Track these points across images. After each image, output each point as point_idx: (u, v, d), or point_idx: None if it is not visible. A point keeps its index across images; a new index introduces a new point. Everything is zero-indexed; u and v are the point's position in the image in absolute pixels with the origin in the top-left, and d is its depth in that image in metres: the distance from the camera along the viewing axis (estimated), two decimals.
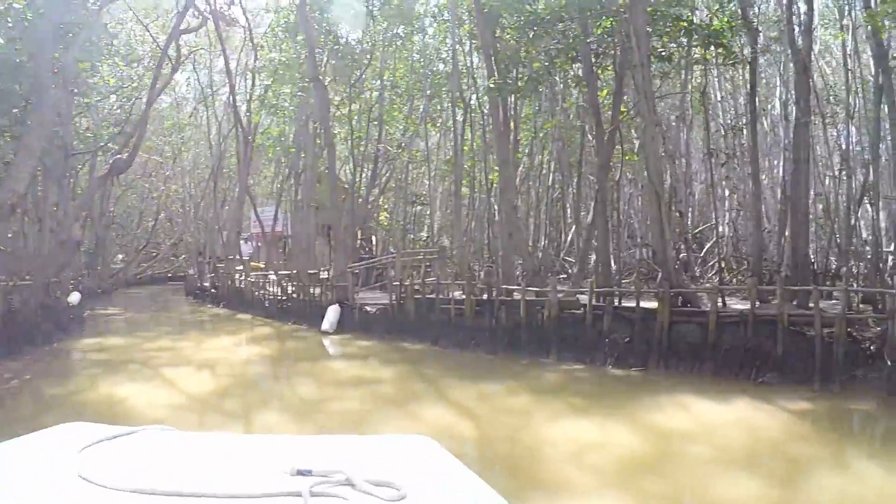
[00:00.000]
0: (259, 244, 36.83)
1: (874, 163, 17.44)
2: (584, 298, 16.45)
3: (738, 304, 17.04)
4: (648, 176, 16.07)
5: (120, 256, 52.07)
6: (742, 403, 12.70)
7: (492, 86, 19.04)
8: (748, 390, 13.50)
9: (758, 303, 14.85)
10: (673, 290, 15.46)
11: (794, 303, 15.94)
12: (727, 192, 25.22)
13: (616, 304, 16.06)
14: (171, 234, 54.01)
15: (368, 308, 21.40)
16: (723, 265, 19.02)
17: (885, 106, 16.58)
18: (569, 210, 28.81)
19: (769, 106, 25.52)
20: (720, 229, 20.00)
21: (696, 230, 28.00)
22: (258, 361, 18.51)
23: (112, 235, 45.87)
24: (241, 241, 35.56)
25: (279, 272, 28.44)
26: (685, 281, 16.57)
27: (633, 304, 15.53)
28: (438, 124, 31.79)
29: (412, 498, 2.04)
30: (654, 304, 15.39)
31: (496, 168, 25.31)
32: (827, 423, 11.80)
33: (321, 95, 22.63)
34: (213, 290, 35.37)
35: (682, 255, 17.21)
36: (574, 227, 28.28)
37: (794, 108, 19.02)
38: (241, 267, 33.48)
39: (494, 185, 27.21)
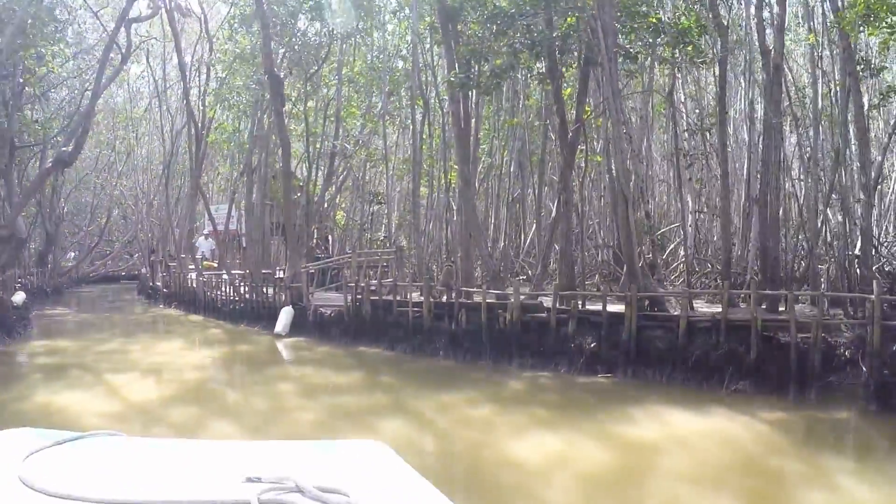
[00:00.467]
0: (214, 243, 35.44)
1: (841, 165, 16.95)
2: (547, 301, 15.66)
3: (705, 308, 16.44)
4: (616, 176, 15.36)
5: (71, 254, 50.24)
6: (715, 413, 12.04)
7: (453, 80, 18.14)
8: (721, 399, 12.82)
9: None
10: (640, 294, 14.73)
11: (763, 307, 15.33)
12: (689, 194, 24.67)
13: (581, 307, 15.27)
14: (126, 231, 52.19)
15: (323, 310, 20.34)
16: (686, 268, 18.33)
17: (852, 108, 16.10)
18: (529, 210, 28.06)
19: (732, 108, 25.02)
20: (684, 231, 19.30)
21: (659, 232, 27.50)
22: (208, 367, 17.33)
23: (63, 233, 44.18)
24: (202, 238, 34.02)
25: (231, 272, 27.18)
26: (652, 284, 15.84)
27: (598, 307, 14.75)
28: (397, 122, 30.79)
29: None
30: (620, 308, 14.63)
31: (455, 166, 24.49)
32: (804, 435, 11.15)
33: (276, 89, 21.52)
34: (164, 290, 33.91)
35: (647, 257, 16.44)
36: (535, 227, 27.57)
37: (760, 109, 18.52)
38: (192, 266, 32.19)
39: (453, 184, 26.42)
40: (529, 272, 26.55)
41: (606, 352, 14.33)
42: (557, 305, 14.99)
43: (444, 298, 17.13)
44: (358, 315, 18.64)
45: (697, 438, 10.71)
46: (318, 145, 26.56)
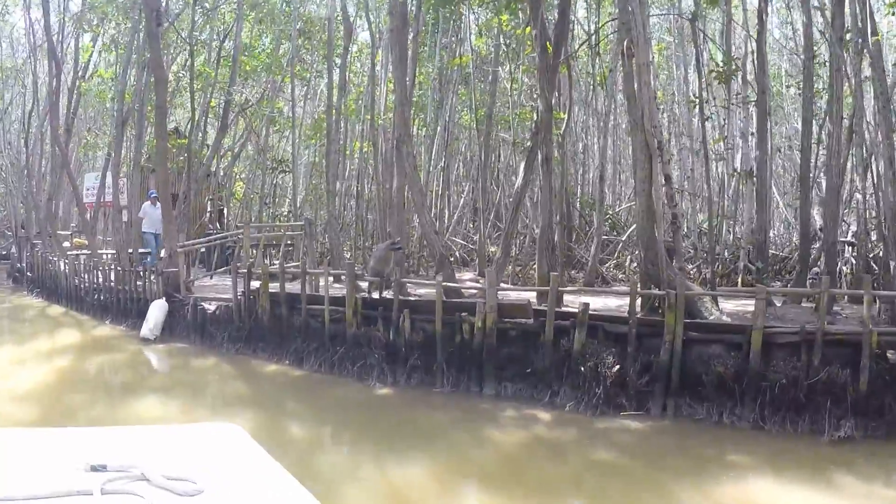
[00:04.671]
0: (88, 217, 27.54)
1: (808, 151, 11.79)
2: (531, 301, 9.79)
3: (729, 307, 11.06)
4: (641, 124, 9.57)
5: None
6: (836, 482, 6.96)
7: None
8: (825, 452, 7.60)
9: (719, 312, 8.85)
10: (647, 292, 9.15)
11: (840, 309, 10.00)
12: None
13: (574, 308, 9.46)
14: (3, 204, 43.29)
15: (207, 305, 13.81)
16: (710, 255, 12.60)
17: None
18: (452, 179, 22.10)
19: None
20: (710, 204, 13.52)
21: (620, 209, 22.07)
22: (29, 398, 10.56)
23: None
24: (149, 205, 26.19)
25: (97, 252, 20.15)
26: (676, 275, 10.17)
27: (594, 302, 9.00)
28: (308, 79, 24.12)
29: (210, 491, 1.89)
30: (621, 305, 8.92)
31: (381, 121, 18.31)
32: None
33: (150, 2, 14.66)
34: (29, 274, 26.37)
35: (667, 239, 10.69)
36: (464, 199, 21.72)
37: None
38: (66, 244, 24.83)
39: (367, 151, 20.29)
40: (457, 254, 20.69)
41: (635, 378, 8.54)
42: (552, 307, 9.04)
43: (377, 294, 10.99)
44: (252, 314, 12.24)
45: None
46: (211, 98, 19.60)
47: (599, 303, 11.04)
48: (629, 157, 24.07)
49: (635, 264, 18.35)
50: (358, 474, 7.14)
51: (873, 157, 11.25)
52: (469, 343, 9.48)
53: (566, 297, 10.94)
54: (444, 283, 9.96)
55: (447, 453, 7.73)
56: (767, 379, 8.22)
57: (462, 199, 23.56)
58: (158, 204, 18.14)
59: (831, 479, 7.12)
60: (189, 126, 19.64)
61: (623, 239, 19.51)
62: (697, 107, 12.33)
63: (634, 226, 20.53)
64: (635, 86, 9.98)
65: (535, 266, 17.09)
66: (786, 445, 7.85)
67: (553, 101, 12.83)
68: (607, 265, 18.29)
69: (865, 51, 10.86)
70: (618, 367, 8.53)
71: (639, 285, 9.07)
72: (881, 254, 12.47)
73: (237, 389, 10.60)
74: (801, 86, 13.88)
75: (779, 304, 11.59)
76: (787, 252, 18.19)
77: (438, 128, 20.59)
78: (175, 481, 1.87)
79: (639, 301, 11.05)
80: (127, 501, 1.77)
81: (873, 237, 13.96)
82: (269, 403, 9.91)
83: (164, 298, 14.65)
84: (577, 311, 8.95)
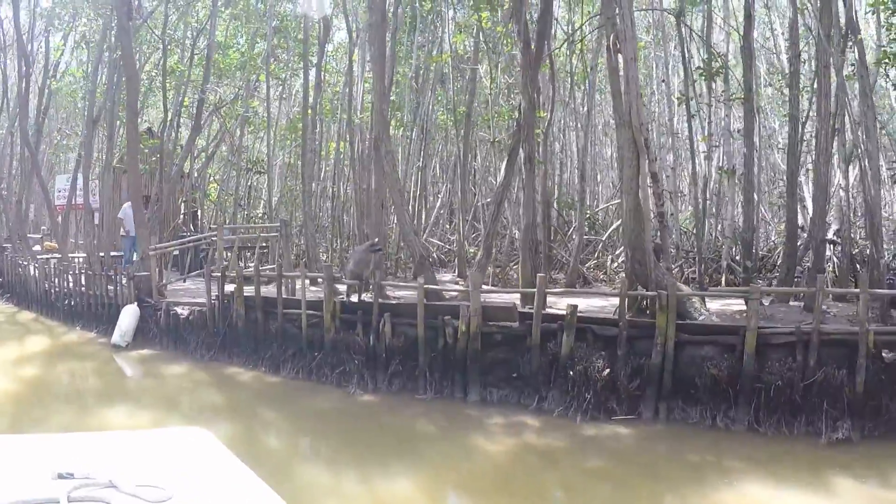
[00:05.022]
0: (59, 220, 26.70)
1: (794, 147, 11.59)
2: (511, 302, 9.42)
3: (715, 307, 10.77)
4: (629, 121, 9.25)
5: None
6: (834, 487, 6.67)
7: None
8: (822, 455, 7.34)
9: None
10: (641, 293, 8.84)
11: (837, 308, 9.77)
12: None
13: (559, 310, 9.13)
14: None
15: (180, 310, 13.26)
16: (700, 255, 12.27)
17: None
18: (430, 180, 21.65)
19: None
20: (697, 202, 13.12)
21: (598, 208, 21.78)
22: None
23: None
24: (128, 206, 25.18)
25: (69, 256, 19.46)
26: (664, 275, 9.86)
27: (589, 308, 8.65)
28: (284, 78, 23.52)
29: (179, 497, 1.87)
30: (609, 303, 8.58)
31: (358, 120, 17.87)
32: None
33: (122, 5, 14.07)
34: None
35: (653, 238, 10.35)
36: (440, 200, 21.30)
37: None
38: (37, 248, 24.04)
39: (343, 152, 19.81)
40: (435, 255, 20.24)
41: (625, 382, 8.20)
42: (546, 310, 8.68)
43: (355, 297, 10.54)
44: (227, 319, 11.72)
45: None
46: (183, 92, 18.97)
47: (583, 304, 10.71)
48: (605, 157, 23.87)
49: (615, 265, 18.13)
50: (339, 488, 6.72)
51: (858, 153, 11.02)
52: (452, 347, 9.07)
53: (549, 299, 10.58)
54: (426, 286, 9.53)
55: (433, 463, 7.32)
56: (762, 380, 7.93)
57: (439, 201, 23.14)
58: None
59: (829, 481, 6.87)
60: (162, 126, 19.00)
61: (603, 239, 19.22)
62: (683, 104, 12.02)
63: (614, 225, 20.42)
64: (621, 82, 9.65)
65: (517, 267, 16.81)
66: (782, 448, 7.59)
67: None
68: (587, 265, 17.98)
69: (851, 47, 10.65)
70: (608, 370, 8.17)
71: (625, 286, 8.69)
72: (866, 251, 12.28)
73: (211, 398, 10.10)
74: (779, 86, 13.68)
75: (766, 303, 11.33)
76: (766, 250, 18.00)
77: (415, 128, 20.16)
78: (143, 488, 1.85)
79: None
80: None
81: (859, 234, 13.79)
82: (245, 412, 9.43)
83: (135, 303, 14.07)
84: (564, 313, 8.58)
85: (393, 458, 7.33)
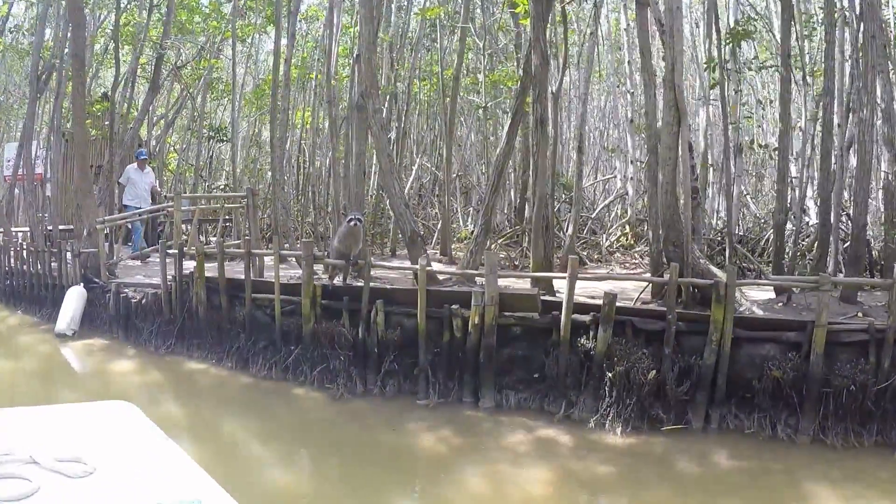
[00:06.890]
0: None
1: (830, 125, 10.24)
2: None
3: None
4: (671, 80, 7.75)
5: None
6: None
7: None
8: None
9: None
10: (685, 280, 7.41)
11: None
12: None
13: (588, 299, 7.58)
14: None
15: (131, 293, 11.41)
16: (729, 239, 10.73)
17: None
18: (410, 146, 19.94)
19: None
20: (728, 181, 11.48)
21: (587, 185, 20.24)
22: None
23: None
24: (133, 168, 22.51)
25: (10, 231, 17.33)
26: (700, 261, 8.43)
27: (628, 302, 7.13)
28: (251, 41, 21.48)
29: (102, 471, 1.85)
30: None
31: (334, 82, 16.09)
32: None
33: None
34: None
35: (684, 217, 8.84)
36: (416, 168, 19.55)
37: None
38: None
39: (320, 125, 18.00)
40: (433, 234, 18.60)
41: (672, 385, 6.73)
42: (576, 299, 7.10)
43: (338, 281, 8.88)
44: (185, 304, 9.95)
45: None
46: (140, 49, 16.79)
47: (598, 290, 9.21)
48: (601, 128, 22.38)
49: (608, 244, 16.72)
50: None
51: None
52: (461, 342, 7.49)
53: (557, 284, 9.05)
54: (428, 268, 7.91)
55: (440, 488, 5.79)
56: (830, 385, 6.55)
57: (413, 172, 21.46)
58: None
59: None
60: (113, 83, 16.88)
61: (592, 216, 17.85)
62: (716, 70, 10.50)
63: (605, 202, 19.00)
64: (659, 35, 8.11)
65: (510, 247, 15.30)
66: (855, 464, 6.26)
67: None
68: (579, 245, 16.55)
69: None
70: (655, 371, 6.68)
71: (675, 272, 7.18)
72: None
73: (166, 406, 8.33)
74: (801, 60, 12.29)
75: (796, 292, 9.97)
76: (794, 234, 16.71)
77: (396, 91, 18.36)
78: (65, 463, 1.82)
79: (648, 289, 9.36)
80: (15, 486, 1.68)
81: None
82: (207, 419, 7.78)
83: (81, 284, 12.20)
84: (594, 302, 7.06)
85: (389, 481, 5.81)
